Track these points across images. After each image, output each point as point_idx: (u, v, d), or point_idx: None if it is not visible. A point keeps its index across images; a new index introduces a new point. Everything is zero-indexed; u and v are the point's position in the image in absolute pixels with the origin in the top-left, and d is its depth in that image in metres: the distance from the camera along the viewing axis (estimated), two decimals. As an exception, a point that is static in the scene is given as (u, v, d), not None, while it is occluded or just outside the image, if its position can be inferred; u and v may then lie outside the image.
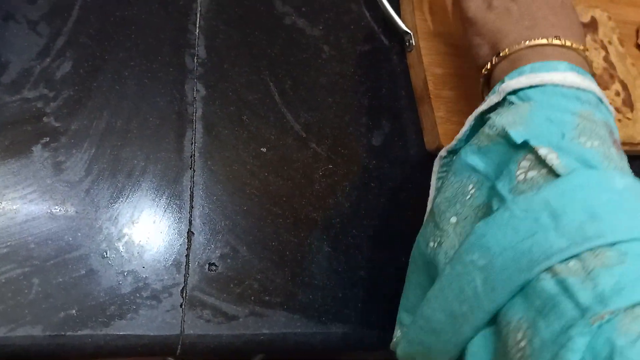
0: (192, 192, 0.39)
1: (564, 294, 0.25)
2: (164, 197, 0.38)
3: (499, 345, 0.28)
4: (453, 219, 0.32)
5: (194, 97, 0.42)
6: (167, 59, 0.42)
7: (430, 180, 0.45)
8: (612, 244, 0.26)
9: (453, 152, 0.38)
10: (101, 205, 0.37)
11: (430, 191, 0.39)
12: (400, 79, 0.49)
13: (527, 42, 0.36)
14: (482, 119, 0.36)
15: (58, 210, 0.36)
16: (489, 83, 0.40)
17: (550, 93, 0.33)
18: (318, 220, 0.41)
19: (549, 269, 0.26)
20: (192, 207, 0.39)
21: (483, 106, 0.36)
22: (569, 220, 0.27)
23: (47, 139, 0.37)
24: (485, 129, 0.34)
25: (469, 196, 0.32)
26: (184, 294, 0.36)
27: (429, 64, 0.47)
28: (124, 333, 0.34)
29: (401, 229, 0.43)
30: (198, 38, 0.43)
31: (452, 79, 0.47)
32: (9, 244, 0.34)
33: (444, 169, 0.39)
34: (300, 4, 0.48)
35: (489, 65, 0.38)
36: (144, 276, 0.36)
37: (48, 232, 0.35)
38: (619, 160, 0.31)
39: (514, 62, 0.36)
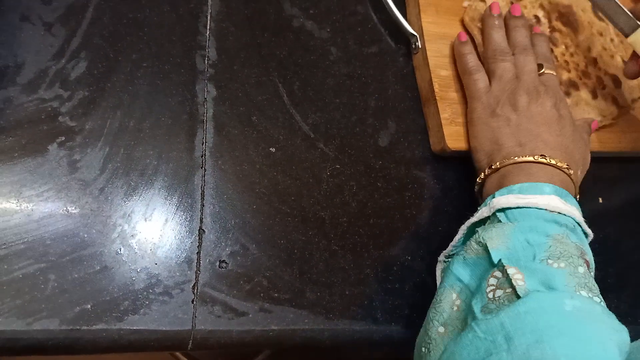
0: (203, 191, 0.40)
1: None
2: (176, 195, 0.39)
3: None
4: (441, 329, 0.35)
5: (205, 98, 0.43)
6: (178, 60, 0.43)
7: (432, 181, 0.46)
8: None
9: (450, 256, 0.41)
10: (115, 203, 0.38)
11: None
12: (406, 80, 0.50)
13: (516, 159, 0.40)
14: (473, 229, 0.39)
15: (73, 208, 0.37)
16: (481, 190, 0.43)
17: (534, 216, 0.36)
18: (326, 218, 0.42)
19: None
20: (203, 205, 0.39)
21: (474, 218, 0.39)
22: (519, 343, 0.29)
23: (63, 138, 0.38)
24: (472, 242, 0.37)
25: (455, 307, 0.35)
26: (195, 291, 0.37)
27: (434, 66, 0.48)
28: (137, 328, 0.35)
29: (407, 228, 0.44)
30: (209, 40, 0.44)
31: (458, 81, 0.48)
32: (25, 240, 0.35)
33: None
34: (308, 6, 0.49)
35: (482, 175, 0.42)
36: (156, 273, 0.37)
37: (64, 229, 0.36)
38: (583, 278, 0.33)
39: (504, 177, 0.40)
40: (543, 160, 0.40)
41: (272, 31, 0.47)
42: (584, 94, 0.51)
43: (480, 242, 0.36)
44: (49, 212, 0.36)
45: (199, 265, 0.38)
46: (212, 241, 0.39)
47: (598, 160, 0.53)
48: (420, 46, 0.49)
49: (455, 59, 0.48)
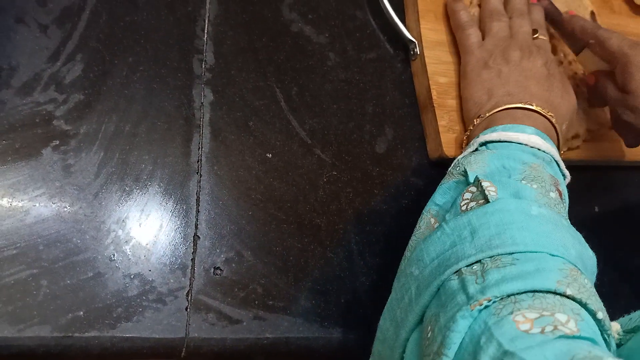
0: (198, 197, 0.40)
1: (461, 289, 0.29)
2: (171, 201, 0.39)
3: (421, 341, 0.31)
4: None
5: (202, 102, 0.42)
6: (175, 64, 0.43)
7: (429, 189, 0.46)
8: (510, 253, 0.30)
9: None
10: (109, 209, 0.37)
11: None
12: (404, 87, 0.49)
13: (504, 107, 0.42)
14: None
15: (67, 213, 0.36)
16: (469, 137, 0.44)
17: (513, 148, 0.38)
18: (321, 226, 0.42)
19: (457, 272, 0.30)
20: (198, 211, 0.39)
21: (460, 157, 0.40)
22: (482, 235, 0.31)
23: (57, 142, 0.38)
24: (451, 170, 0.38)
25: (433, 229, 0.35)
26: (189, 298, 0.37)
27: (432, 73, 0.48)
28: (130, 335, 0.35)
29: (403, 236, 0.43)
30: (206, 44, 0.44)
31: (456, 88, 0.48)
32: (18, 245, 0.35)
33: None
34: (306, 11, 0.49)
35: (471, 127, 0.44)
36: (150, 279, 0.36)
37: (57, 234, 0.36)
38: (554, 201, 0.35)
39: (491, 121, 0.42)
40: (529, 106, 0.41)
41: (270, 36, 0.47)
42: (581, 102, 0.51)
43: (458, 166, 0.37)
44: (43, 216, 0.36)
45: (193, 272, 0.38)
46: (207, 248, 0.38)
47: (594, 168, 0.53)
48: (418, 52, 0.49)
49: (448, 16, 0.50)
